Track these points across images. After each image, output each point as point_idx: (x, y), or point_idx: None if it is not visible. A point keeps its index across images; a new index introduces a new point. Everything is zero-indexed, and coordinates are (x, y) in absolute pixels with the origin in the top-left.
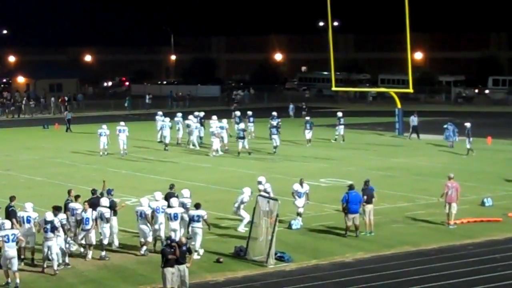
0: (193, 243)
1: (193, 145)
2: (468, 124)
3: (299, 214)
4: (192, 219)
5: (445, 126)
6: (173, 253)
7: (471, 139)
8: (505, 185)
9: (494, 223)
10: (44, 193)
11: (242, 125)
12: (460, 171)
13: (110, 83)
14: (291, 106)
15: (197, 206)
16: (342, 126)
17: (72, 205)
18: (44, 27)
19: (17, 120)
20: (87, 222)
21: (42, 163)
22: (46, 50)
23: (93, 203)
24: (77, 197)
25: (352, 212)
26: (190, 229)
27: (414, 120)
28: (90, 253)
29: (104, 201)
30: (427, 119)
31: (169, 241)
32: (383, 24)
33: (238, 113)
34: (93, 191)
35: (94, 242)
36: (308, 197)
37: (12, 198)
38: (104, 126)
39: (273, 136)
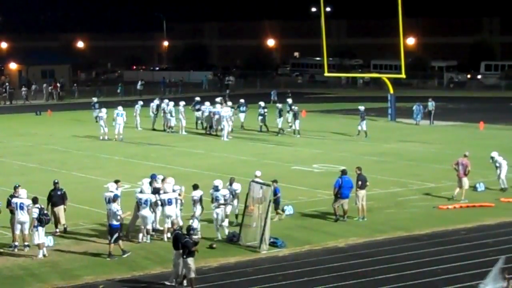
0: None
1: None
2: (362, 108)
3: (226, 216)
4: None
5: (414, 107)
6: (196, 243)
7: (365, 121)
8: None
9: (486, 208)
10: (37, 180)
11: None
12: (452, 156)
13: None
14: (273, 91)
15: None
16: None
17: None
18: (36, 13)
19: (10, 107)
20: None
21: (35, 150)
22: (39, 36)
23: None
24: (116, 182)
25: (344, 197)
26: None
27: (430, 105)
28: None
29: (111, 186)
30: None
31: (191, 231)
32: (375, 9)
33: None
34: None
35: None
36: (238, 199)
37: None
38: (120, 108)
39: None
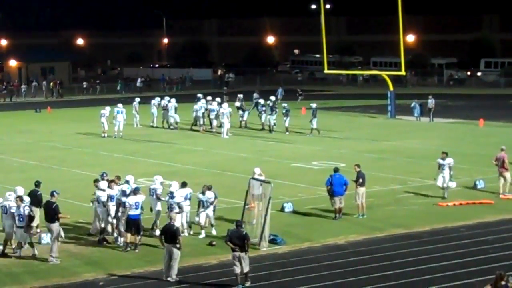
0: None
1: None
2: (313, 105)
3: (212, 225)
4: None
5: (412, 105)
6: None
7: (316, 119)
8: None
9: (486, 205)
10: (37, 177)
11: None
12: (452, 154)
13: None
14: (280, 89)
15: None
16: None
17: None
18: (36, 10)
19: (9, 104)
20: (21, 219)
21: (35, 147)
22: (38, 33)
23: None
24: (111, 181)
25: (336, 194)
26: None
27: (430, 102)
28: (35, 250)
29: (102, 184)
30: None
31: (239, 223)
32: (375, 6)
33: (240, 96)
34: (36, 183)
35: (29, 240)
36: (214, 206)
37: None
38: (120, 105)
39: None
